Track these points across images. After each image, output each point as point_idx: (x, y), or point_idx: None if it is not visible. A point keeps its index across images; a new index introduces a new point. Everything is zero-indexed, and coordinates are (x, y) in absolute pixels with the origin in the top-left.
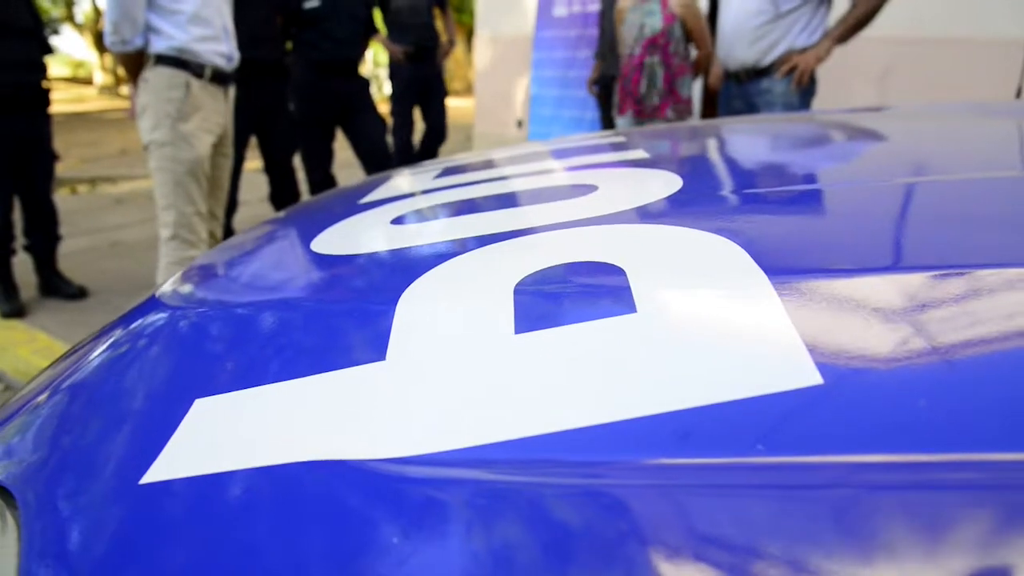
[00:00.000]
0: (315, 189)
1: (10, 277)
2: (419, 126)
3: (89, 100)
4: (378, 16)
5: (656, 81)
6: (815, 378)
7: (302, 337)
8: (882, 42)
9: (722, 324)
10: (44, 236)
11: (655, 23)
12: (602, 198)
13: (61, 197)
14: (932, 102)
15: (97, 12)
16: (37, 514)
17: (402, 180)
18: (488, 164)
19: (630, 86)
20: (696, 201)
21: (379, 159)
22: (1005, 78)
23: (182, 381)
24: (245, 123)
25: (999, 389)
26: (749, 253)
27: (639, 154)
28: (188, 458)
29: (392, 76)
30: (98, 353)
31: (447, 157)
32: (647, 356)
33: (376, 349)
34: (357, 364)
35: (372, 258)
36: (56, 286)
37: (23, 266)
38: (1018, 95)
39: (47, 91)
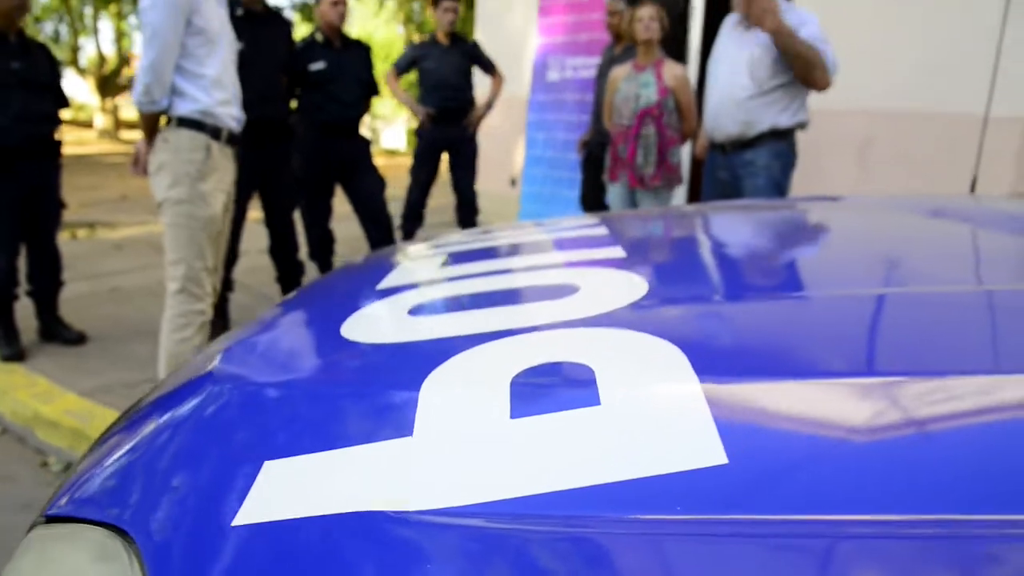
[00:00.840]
0: (313, 243)
1: (12, 322)
2: (444, 178)
3: (89, 143)
4: (414, 75)
5: (650, 151)
6: (722, 459)
7: (346, 415)
8: (861, 115)
9: (659, 415)
10: (47, 282)
11: (650, 95)
12: (582, 299)
13: (61, 241)
14: (889, 198)
15: (101, 57)
16: (156, 552)
17: (412, 265)
18: (489, 254)
19: (624, 154)
20: (654, 307)
21: (376, 216)
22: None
23: (252, 446)
24: (249, 180)
25: (856, 472)
26: (687, 356)
27: (616, 252)
28: (266, 507)
29: (417, 134)
30: (169, 418)
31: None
32: (606, 439)
33: (405, 427)
34: (391, 439)
35: (396, 348)
36: (56, 331)
37: (23, 310)
38: (973, 187)
39: (59, 142)
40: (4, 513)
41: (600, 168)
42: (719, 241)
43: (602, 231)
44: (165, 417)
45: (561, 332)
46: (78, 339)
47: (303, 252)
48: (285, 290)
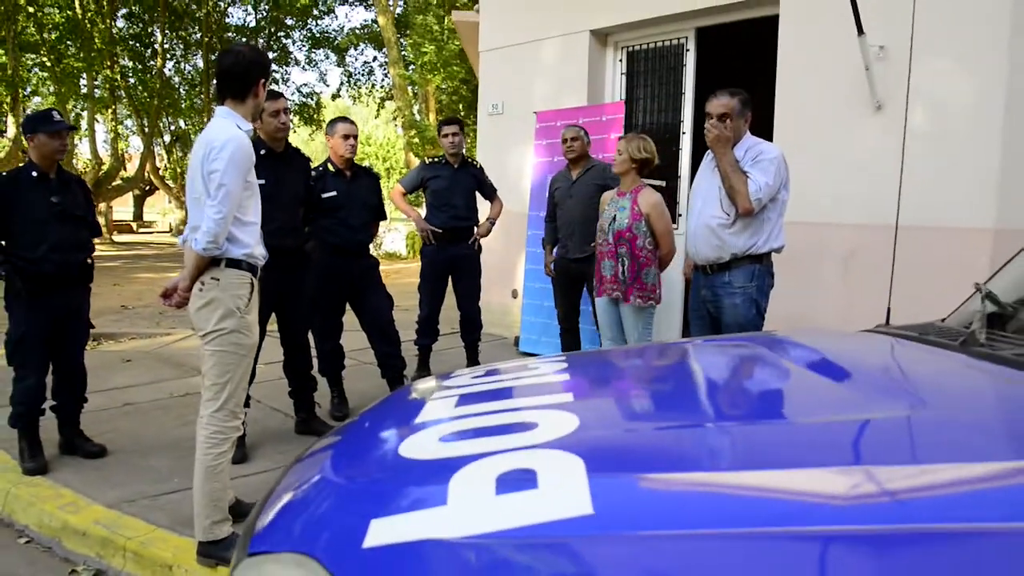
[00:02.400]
0: (324, 358)
1: (37, 437)
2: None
3: None
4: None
5: (624, 269)
6: (590, 511)
7: (412, 496)
8: (847, 228)
9: (563, 491)
10: (71, 399)
11: (624, 218)
12: (539, 432)
13: None
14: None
15: (98, 159)
16: (330, 563)
17: (435, 405)
18: (487, 397)
19: (604, 271)
20: (576, 436)
21: (384, 331)
22: (959, 262)
23: (363, 512)
24: (268, 302)
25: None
26: (584, 462)
27: (567, 397)
28: (378, 538)
29: (421, 253)
30: (306, 497)
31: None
32: (537, 503)
33: (443, 500)
34: (436, 506)
35: (436, 462)
36: (78, 445)
37: (43, 423)
38: (888, 319)
39: (91, 267)
40: None
41: (570, 286)
42: (628, 387)
43: (563, 377)
44: (306, 502)
45: (523, 452)
46: (99, 452)
47: (315, 367)
48: (298, 404)
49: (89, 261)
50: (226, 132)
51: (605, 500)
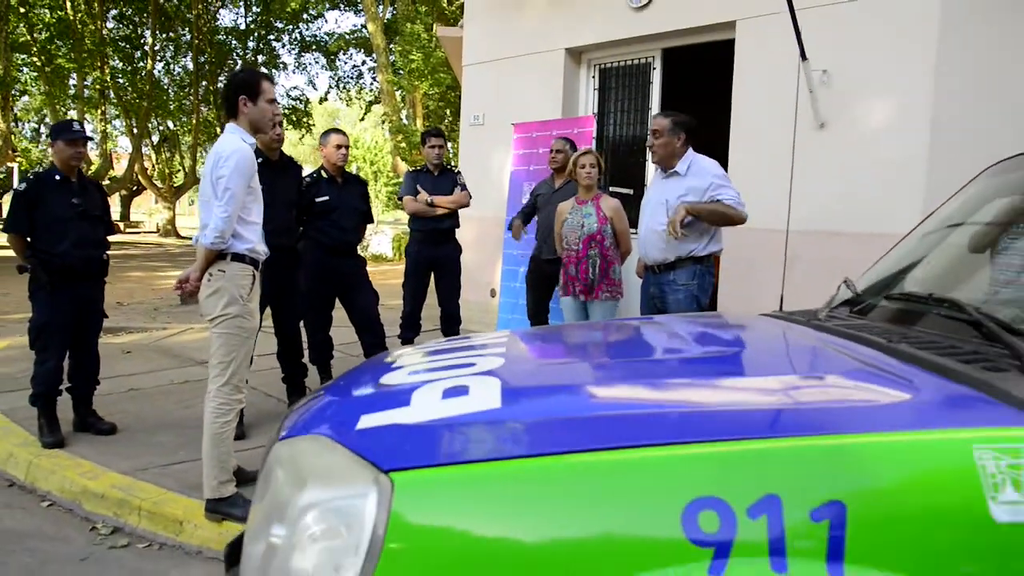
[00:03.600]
0: (316, 348)
1: (54, 414)
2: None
3: None
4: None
5: (596, 269)
6: (498, 405)
7: (389, 400)
8: (786, 233)
9: (483, 394)
10: (86, 381)
11: (592, 223)
12: (476, 366)
13: None
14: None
15: (87, 159)
16: (340, 438)
17: (408, 357)
18: (449, 351)
19: (575, 273)
20: (502, 369)
21: (370, 325)
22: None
23: (355, 409)
24: (264, 296)
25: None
26: (501, 381)
27: (502, 349)
28: (365, 423)
29: (406, 253)
30: (321, 407)
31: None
32: (466, 403)
33: (408, 403)
34: (404, 407)
35: (404, 385)
36: (90, 423)
37: (59, 403)
38: (780, 306)
39: (107, 262)
40: (66, 565)
41: (541, 284)
42: (548, 344)
43: (505, 339)
44: (315, 412)
45: (464, 377)
46: (110, 430)
47: (305, 356)
48: (290, 389)
49: (105, 257)
50: (232, 144)
51: (508, 400)
